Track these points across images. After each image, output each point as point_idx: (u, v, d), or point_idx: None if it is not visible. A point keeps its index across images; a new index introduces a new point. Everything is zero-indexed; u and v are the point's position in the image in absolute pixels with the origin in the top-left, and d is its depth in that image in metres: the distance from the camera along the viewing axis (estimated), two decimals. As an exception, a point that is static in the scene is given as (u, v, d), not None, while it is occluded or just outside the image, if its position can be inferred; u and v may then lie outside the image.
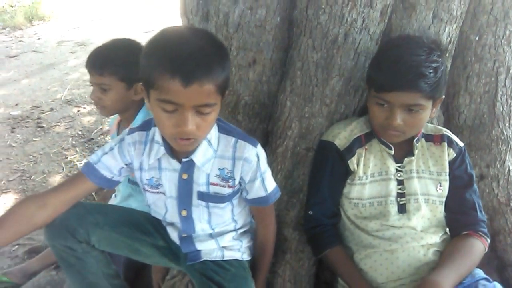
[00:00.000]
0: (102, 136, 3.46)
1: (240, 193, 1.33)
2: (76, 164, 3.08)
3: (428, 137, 1.47)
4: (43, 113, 3.82)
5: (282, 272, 1.53)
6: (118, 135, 1.75)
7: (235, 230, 1.40)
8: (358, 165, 1.43)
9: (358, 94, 1.54)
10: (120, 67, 1.56)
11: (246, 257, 1.41)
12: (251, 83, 1.54)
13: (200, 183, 1.26)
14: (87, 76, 5.27)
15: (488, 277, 1.37)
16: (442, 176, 1.44)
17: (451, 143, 1.46)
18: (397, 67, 1.26)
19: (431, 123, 1.58)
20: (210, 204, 1.29)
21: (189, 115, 1.05)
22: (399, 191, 1.43)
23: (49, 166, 3.06)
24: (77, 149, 3.28)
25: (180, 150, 1.20)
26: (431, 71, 1.26)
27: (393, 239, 1.40)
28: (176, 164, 1.25)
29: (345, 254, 1.45)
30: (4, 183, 2.83)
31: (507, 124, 1.69)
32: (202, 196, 1.28)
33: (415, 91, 1.26)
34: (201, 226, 1.34)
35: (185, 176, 1.26)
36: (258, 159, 1.26)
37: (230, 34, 1.51)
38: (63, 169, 3.02)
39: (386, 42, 1.45)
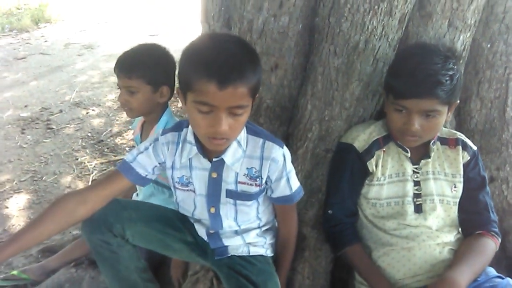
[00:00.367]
0: (111, 138, 3.50)
1: (265, 192, 1.39)
2: (86, 165, 3.12)
3: (443, 141, 1.53)
4: (52, 115, 3.86)
5: (301, 269, 1.59)
6: (141, 136, 1.81)
7: (259, 227, 1.46)
8: (376, 166, 1.49)
9: (375, 99, 1.60)
10: (147, 71, 1.62)
11: (269, 253, 1.48)
12: (273, 87, 1.61)
13: (229, 182, 1.33)
14: (95, 79, 5.28)
15: (501, 275, 1.43)
16: (456, 178, 1.50)
17: (465, 147, 1.52)
18: (415, 75, 1.32)
19: (445, 127, 1.64)
20: (238, 201, 1.36)
21: (223, 116, 1.12)
22: (416, 191, 1.49)
23: (60, 167, 3.10)
24: (87, 151, 3.32)
25: (213, 150, 1.26)
26: (447, 78, 1.32)
27: (410, 237, 1.46)
28: (206, 164, 1.32)
29: (364, 251, 1.51)
30: (16, 183, 2.87)
31: (516, 129, 1.76)
32: (231, 194, 1.34)
33: (432, 98, 1.32)
34: (228, 222, 1.40)
35: (214, 175, 1.32)
36: (285, 159, 1.32)
37: (254, 40, 1.57)
38: (74, 170, 3.05)
39: (403, 50, 1.51)
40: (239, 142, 1.29)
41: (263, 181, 1.33)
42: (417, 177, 1.50)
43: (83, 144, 3.41)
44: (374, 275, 1.45)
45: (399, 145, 1.49)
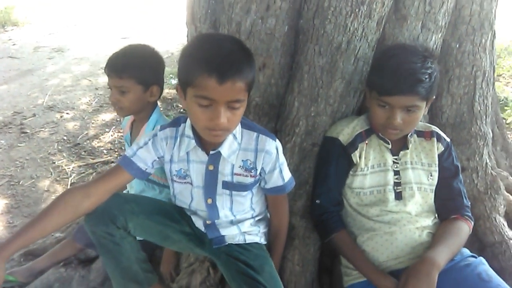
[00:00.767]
0: (88, 141, 3.47)
1: (259, 183, 1.47)
2: (64, 169, 3.09)
3: (420, 133, 1.66)
4: (25, 119, 3.80)
5: (291, 257, 1.67)
6: (131, 134, 1.86)
7: (252, 217, 1.54)
8: (360, 158, 1.60)
9: (356, 95, 1.71)
10: (138, 71, 1.66)
11: (263, 241, 1.57)
12: (261, 86, 1.69)
13: (225, 174, 1.40)
14: (67, 82, 5.18)
15: (474, 254, 1.57)
16: (432, 167, 1.63)
17: (439, 139, 1.65)
18: (398, 74, 1.44)
19: (420, 121, 1.77)
20: (234, 192, 1.44)
21: (222, 109, 1.20)
22: (396, 180, 1.61)
23: (37, 171, 3.07)
24: (64, 154, 3.29)
25: (211, 141, 1.34)
26: (426, 76, 1.45)
27: (392, 222, 1.57)
28: (203, 156, 1.39)
29: (349, 237, 1.61)
30: (-8, 188, 2.84)
31: (484, 122, 1.91)
32: (227, 185, 1.42)
33: (413, 94, 1.44)
34: (224, 212, 1.47)
35: (211, 167, 1.40)
36: (277, 152, 1.41)
37: (242, 40, 1.64)
38: (51, 174, 3.03)
39: (384, 50, 1.61)
40: (234, 136, 1.37)
41: (258, 172, 1.41)
42: (396, 167, 1.61)
43: (59, 147, 3.38)
44: (359, 259, 1.55)
45: (381, 138, 1.60)
